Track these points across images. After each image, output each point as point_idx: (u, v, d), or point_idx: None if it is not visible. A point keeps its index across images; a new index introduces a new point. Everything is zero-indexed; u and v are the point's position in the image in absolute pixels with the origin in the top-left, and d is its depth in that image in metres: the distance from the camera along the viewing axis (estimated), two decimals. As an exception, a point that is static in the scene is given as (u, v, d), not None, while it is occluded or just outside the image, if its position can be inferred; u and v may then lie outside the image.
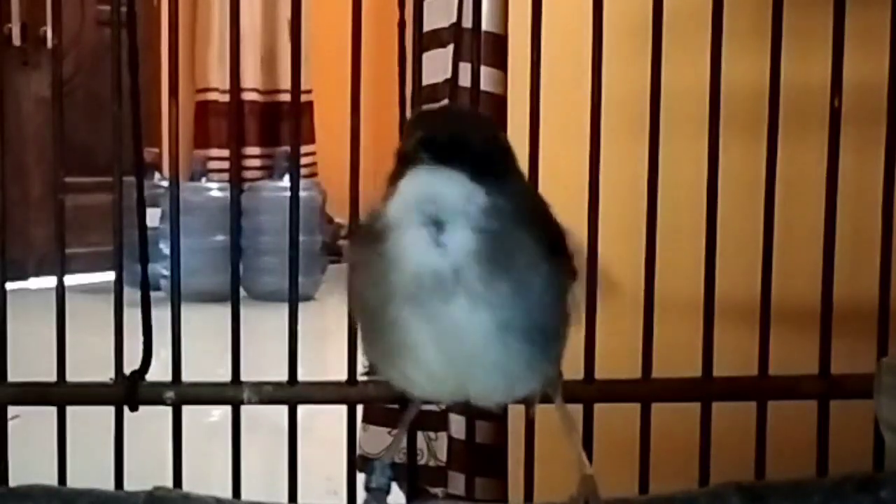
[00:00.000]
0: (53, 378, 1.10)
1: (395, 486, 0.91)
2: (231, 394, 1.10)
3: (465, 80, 1.39)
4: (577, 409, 1.07)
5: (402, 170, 0.70)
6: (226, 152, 4.33)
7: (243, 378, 1.10)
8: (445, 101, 1.47)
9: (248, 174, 4.64)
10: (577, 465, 0.84)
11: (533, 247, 0.71)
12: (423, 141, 0.68)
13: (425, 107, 1.03)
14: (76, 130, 3.93)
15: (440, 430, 1.46)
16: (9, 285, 1.11)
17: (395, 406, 1.01)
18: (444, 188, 0.69)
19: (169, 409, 1.10)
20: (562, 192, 0.88)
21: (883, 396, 0.92)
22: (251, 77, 4.74)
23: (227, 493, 1.04)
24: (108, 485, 1.06)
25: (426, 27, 1.23)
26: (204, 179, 4.52)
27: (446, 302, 0.69)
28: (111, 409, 1.10)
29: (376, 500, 0.85)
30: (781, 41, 1.08)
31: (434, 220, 0.69)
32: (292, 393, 1.10)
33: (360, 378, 1.11)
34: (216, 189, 4.45)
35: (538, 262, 0.72)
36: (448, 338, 0.70)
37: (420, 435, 1.44)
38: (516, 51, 1.34)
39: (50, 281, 1.22)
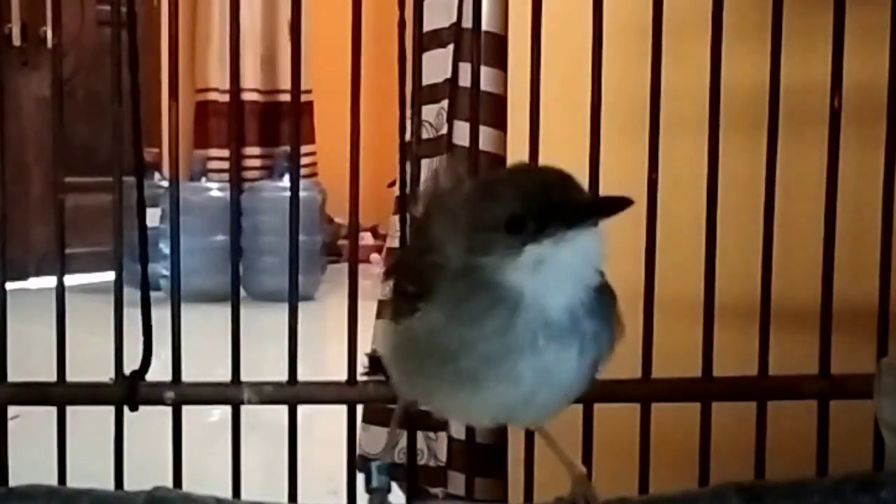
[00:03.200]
0: (53, 378, 1.10)
1: (395, 486, 0.91)
2: (231, 394, 1.10)
3: (465, 80, 1.39)
4: (577, 410, 1.07)
5: (523, 231, 0.71)
6: (226, 152, 4.34)
7: (243, 378, 1.10)
8: (445, 102, 1.47)
9: (248, 174, 4.64)
10: (568, 469, 0.84)
11: (611, 298, 0.77)
12: (576, 205, 0.72)
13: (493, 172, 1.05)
14: (76, 130, 3.94)
15: (440, 430, 1.46)
16: (9, 285, 1.11)
17: (395, 406, 1.00)
18: (597, 249, 0.74)
19: (169, 409, 1.10)
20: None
21: (883, 396, 0.92)
22: (251, 77, 4.74)
23: (227, 493, 1.03)
24: (108, 485, 1.06)
25: (426, 27, 1.24)
26: (204, 179, 4.53)
27: (565, 348, 0.72)
28: (111, 409, 1.10)
29: (377, 500, 0.85)
30: (781, 41, 1.08)
31: (578, 275, 0.73)
32: (292, 393, 1.10)
33: (360, 378, 1.11)
34: (216, 189, 4.45)
35: (613, 307, 0.77)
36: (547, 383, 0.73)
37: (420, 435, 1.44)
38: (516, 51, 1.34)
39: (50, 281, 1.22)
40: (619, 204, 0.72)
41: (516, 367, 0.72)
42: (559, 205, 0.71)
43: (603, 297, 0.75)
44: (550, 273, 0.71)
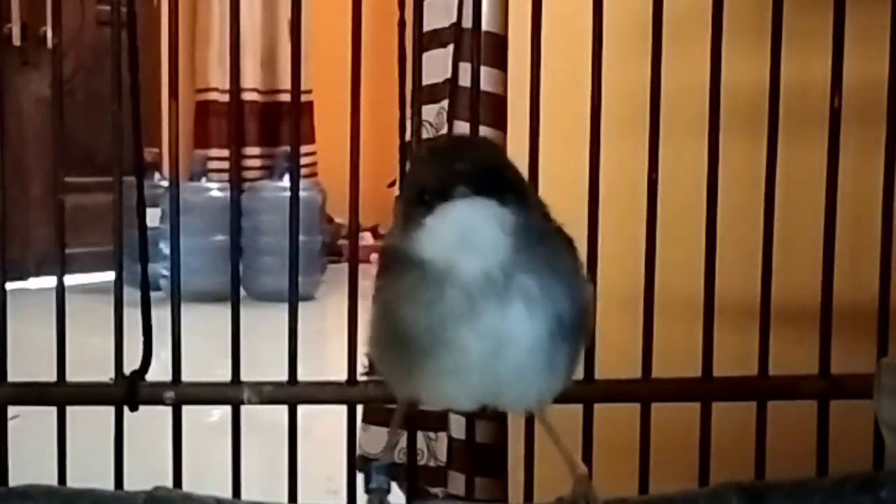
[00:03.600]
0: (53, 378, 1.10)
1: (395, 486, 0.91)
2: (231, 394, 1.10)
3: (465, 80, 1.39)
4: (577, 409, 1.07)
5: (428, 204, 0.72)
6: (226, 152, 4.34)
7: (243, 378, 1.10)
8: (445, 102, 1.47)
9: (248, 174, 4.64)
10: (569, 467, 0.84)
11: (566, 253, 0.77)
12: (453, 175, 0.71)
13: (425, 142, 1.05)
14: (76, 130, 3.93)
15: (440, 430, 1.46)
16: (9, 285, 1.11)
17: (395, 406, 1.01)
18: (483, 217, 0.72)
19: (169, 409, 1.10)
20: (562, 192, 0.88)
21: (883, 397, 0.92)
22: (251, 77, 4.74)
23: (227, 493, 1.03)
24: (108, 485, 1.06)
25: (426, 27, 1.23)
26: (204, 179, 4.52)
27: (504, 308, 0.72)
28: (111, 409, 1.10)
29: (377, 500, 0.85)
30: (781, 41, 1.08)
31: (478, 248, 0.72)
32: (292, 393, 1.10)
33: (360, 378, 1.11)
34: (216, 189, 4.45)
35: (572, 268, 0.77)
36: (504, 345, 0.73)
37: (420, 435, 1.44)
38: (516, 51, 1.34)
39: (50, 281, 1.22)
40: (504, 183, 0.73)
41: (458, 335, 0.73)
42: (446, 176, 0.72)
43: (546, 249, 0.74)
44: (447, 241, 0.72)
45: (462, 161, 0.73)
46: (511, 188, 0.73)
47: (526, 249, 0.73)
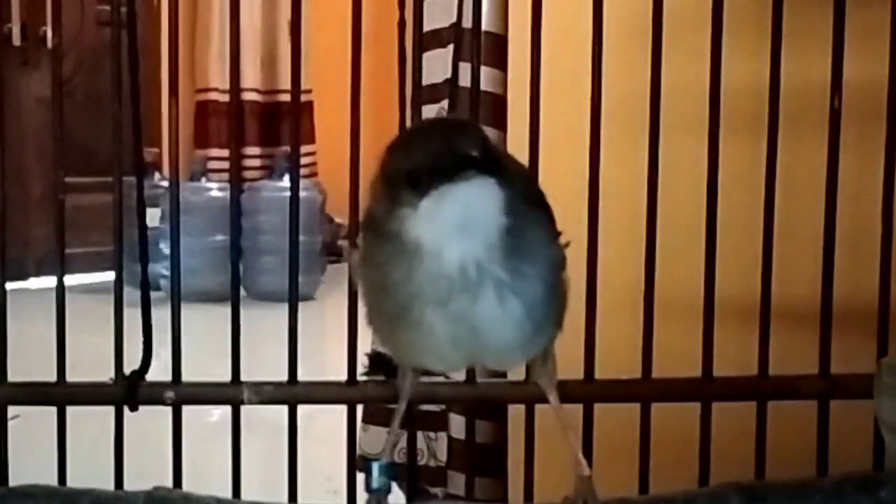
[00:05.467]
0: (53, 378, 1.10)
1: (395, 486, 0.91)
2: (231, 394, 1.10)
3: (465, 80, 1.39)
4: (577, 409, 1.07)
5: (419, 185, 0.72)
6: (226, 152, 4.33)
7: (243, 378, 1.10)
8: (445, 102, 1.47)
9: (248, 174, 4.63)
10: (573, 466, 0.84)
11: (543, 227, 0.77)
12: (452, 157, 0.71)
13: (409, 128, 1.04)
14: (76, 130, 3.93)
15: (440, 430, 1.46)
16: (9, 285, 1.11)
17: (395, 406, 1.01)
18: (486, 200, 0.72)
19: (169, 409, 1.10)
20: (562, 191, 0.88)
21: (883, 396, 0.92)
22: (251, 77, 4.73)
23: (227, 493, 1.04)
24: (108, 485, 1.06)
25: (426, 27, 1.23)
26: (204, 179, 4.52)
27: (475, 299, 0.73)
28: (111, 409, 1.10)
29: (377, 500, 0.85)
30: (781, 41, 1.08)
31: (475, 230, 0.73)
32: (292, 393, 1.10)
33: (360, 378, 1.11)
34: (216, 189, 4.45)
35: (548, 241, 0.77)
36: (476, 329, 0.74)
37: (420, 435, 1.44)
38: (516, 51, 1.33)
39: (50, 281, 1.22)
40: (494, 161, 0.72)
41: (424, 316, 0.74)
42: (445, 159, 0.71)
43: (524, 236, 0.74)
44: (440, 226, 0.72)
45: (456, 142, 0.72)
46: (502, 167, 0.73)
47: (510, 230, 0.73)
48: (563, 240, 0.81)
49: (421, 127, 0.83)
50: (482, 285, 0.73)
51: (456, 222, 0.72)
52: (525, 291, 0.74)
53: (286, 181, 4.15)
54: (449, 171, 0.71)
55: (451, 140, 0.73)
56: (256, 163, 4.79)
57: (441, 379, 1.13)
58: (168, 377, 1.11)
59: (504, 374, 1.19)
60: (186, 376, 1.11)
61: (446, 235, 0.73)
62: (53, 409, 1.10)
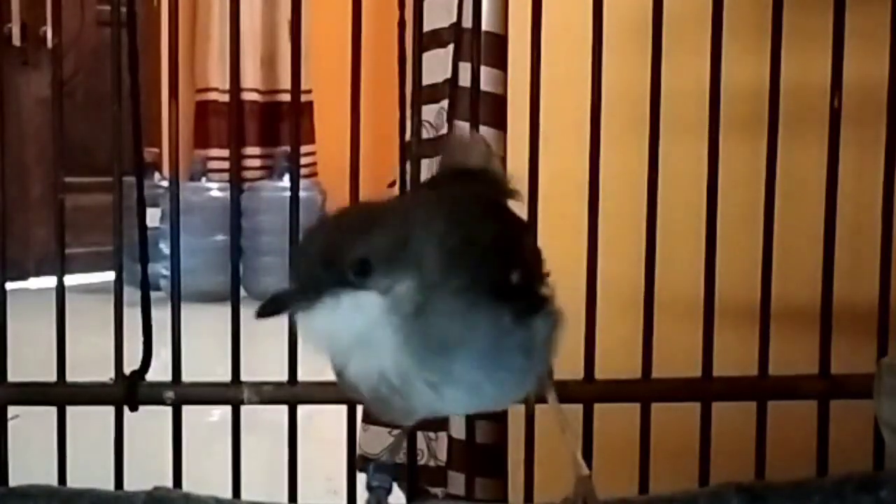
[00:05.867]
0: (53, 378, 1.10)
1: (395, 486, 0.91)
2: (231, 394, 1.10)
3: (465, 80, 1.39)
4: (577, 409, 1.07)
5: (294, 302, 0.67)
6: (226, 152, 4.34)
7: (243, 378, 1.10)
8: (445, 102, 1.47)
9: (248, 174, 4.64)
10: (572, 466, 0.84)
11: (462, 291, 0.68)
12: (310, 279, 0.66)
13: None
14: (76, 130, 3.92)
15: (440, 430, 1.46)
16: (9, 285, 1.11)
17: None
18: (335, 321, 0.67)
19: (169, 409, 1.10)
20: (562, 192, 0.88)
21: (883, 396, 0.92)
22: (251, 77, 4.74)
23: (227, 493, 1.03)
24: (108, 485, 1.06)
25: (426, 27, 1.23)
26: (204, 179, 4.52)
27: (409, 400, 0.69)
28: (111, 409, 1.10)
29: (377, 501, 0.85)
30: (781, 41, 1.08)
31: (362, 344, 0.68)
32: (292, 393, 1.10)
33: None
34: (216, 189, 4.45)
35: (475, 303, 0.68)
36: (429, 412, 0.73)
37: (420, 435, 1.44)
38: (516, 51, 1.34)
39: (50, 281, 1.22)
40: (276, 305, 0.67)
41: (370, 401, 0.72)
42: (306, 280, 0.67)
43: (438, 315, 0.67)
44: (321, 346, 0.70)
45: (329, 254, 0.67)
46: (384, 252, 0.67)
47: (416, 325, 0.67)
48: (562, 234, 0.80)
49: (317, 227, 0.71)
50: (411, 389, 0.68)
51: (327, 345, 0.69)
52: (461, 382, 0.69)
53: (286, 181, 4.16)
54: (308, 292, 0.66)
55: (326, 252, 0.67)
56: (256, 163, 4.79)
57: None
58: (168, 377, 1.11)
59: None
60: (186, 376, 1.12)
61: (334, 353, 0.70)
62: (53, 409, 1.10)
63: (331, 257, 0.67)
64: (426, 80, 1.30)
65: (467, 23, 1.30)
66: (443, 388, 0.69)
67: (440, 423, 1.45)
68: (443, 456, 1.47)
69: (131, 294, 1.09)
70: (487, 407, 0.78)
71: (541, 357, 0.75)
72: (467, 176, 0.85)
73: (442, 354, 0.68)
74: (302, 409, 1.11)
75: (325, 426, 1.53)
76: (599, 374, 1.10)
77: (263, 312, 0.67)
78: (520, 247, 0.76)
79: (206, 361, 1.29)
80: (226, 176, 4.31)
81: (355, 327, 0.67)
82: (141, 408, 1.11)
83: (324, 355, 0.70)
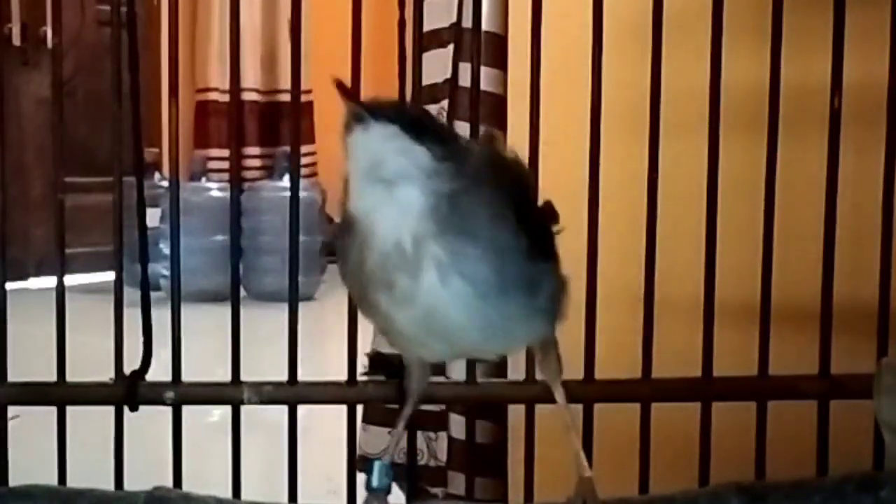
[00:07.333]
0: (53, 378, 1.10)
1: (395, 486, 0.91)
2: (231, 394, 1.10)
3: (465, 80, 1.38)
4: (577, 409, 1.07)
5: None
6: (226, 152, 4.34)
7: (243, 378, 1.10)
8: (445, 102, 1.47)
9: (248, 174, 4.64)
10: (575, 467, 0.84)
11: (493, 201, 0.72)
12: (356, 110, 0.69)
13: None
14: (76, 130, 3.93)
15: (440, 430, 1.46)
16: (9, 285, 1.11)
17: (395, 406, 1.01)
18: (386, 145, 0.69)
19: (169, 409, 1.10)
20: (562, 192, 0.88)
21: (883, 396, 0.92)
22: (251, 77, 4.74)
23: (227, 493, 1.04)
24: (108, 485, 1.06)
25: (426, 27, 1.23)
26: (204, 179, 4.52)
27: (415, 279, 0.70)
28: (111, 409, 1.10)
29: (377, 500, 0.85)
30: (781, 41, 1.08)
31: (386, 180, 0.69)
32: (292, 393, 1.10)
33: (360, 378, 1.11)
34: (216, 189, 4.45)
35: (501, 216, 0.72)
36: (428, 315, 0.71)
37: (420, 435, 1.44)
38: (516, 51, 1.34)
39: (50, 281, 1.22)
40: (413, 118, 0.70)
41: (380, 303, 0.72)
42: (363, 113, 0.70)
43: (470, 216, 0.70)
44: (356, 179, 0.71)
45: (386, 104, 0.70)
46: (435, 130, 0.71)
47: (444, 196, 0.69)
48: (562, 234, 0.81)
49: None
50: (421, 263, 0.69)
51: (365, 169, 0.69)
52: (470, 273, 0.70)
53: (286, 181, 4.16)
54: (379, 116, 0.69)
55: (404, 111, 0.71)
56: (256, 163, 4.79)
57: (441, 379, 1.13)
58: (168, 377, 1.11)
59: (504, 374, 1.19)
60: (186, 376, 1.11)
61: (369, 194, 0.70)
62: (53, 409, 1.10)
63: (407, 113, 0.71)
64: (426, 80, 1.29)
65: (467, 23, 1.30)
66: (450, 275, 0.69)
67: (440, 423, 1.45)
68: (443, 456, 1.47)
69: (131, 294, 1.09)
70: (485, 340, 0.75)
71: (545, 307, 0.76)
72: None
73: (461, 235, 0.69)
74: (302, 409, 1.11)
75: (325, 426, 1.53)
76: (599, 374, 1.10)
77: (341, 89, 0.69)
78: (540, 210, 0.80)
79: (206, 361, 1.29)
80: (226, 176, 4.31)
81: (397, 168, 0.69)
82: (141, 408, 1.11)
83: (352, 193, 0.71)
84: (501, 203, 0.72)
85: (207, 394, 1.12)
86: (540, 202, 0.84)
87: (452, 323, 0.71)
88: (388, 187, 0.69)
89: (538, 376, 1.01)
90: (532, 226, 0.74)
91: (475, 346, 0.76)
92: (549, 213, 0.84)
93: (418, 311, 0.71)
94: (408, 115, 0.70)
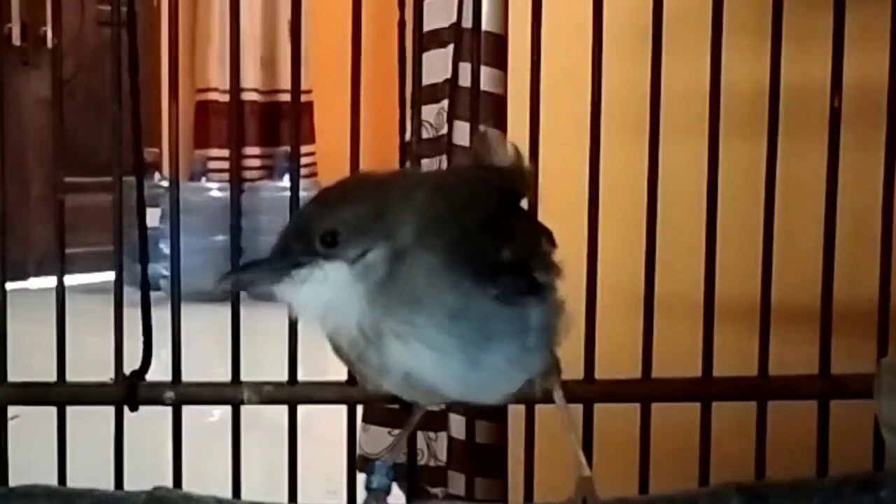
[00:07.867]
0: (53, 378, 1.10)
1: (395, 486, 0.91)
2: (231, 394, 1.10)
3: (465, 80, 1.39)
4: (577, 409, 1.07)
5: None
6: (226, 152, 4.33)
7: (243, 378, 1.10)
8: (445, 102, 1.47)
9: (248, 174, 4.64)
10: (574, 467, 0.84)
11: (437, 260, 0.69)
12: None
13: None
14: (76, 130, 3.91)
15: (440, 430, 1.46)
16: (9, 285, 1.11)
17: (396, 406, 1.01)
18: (322, 289, 0.70)
19: (169, 409, 1.10)
20: (562, 192, 0.88)
21: (883, 396, 0.92)
22: (251, 77, 4.74)
23: (227, 493, 1.03)
24: (108, 485, 1.06)
25: (426, 27, 1.23)
26: (204, 179, 4.52)
27: (383, 355, 0.70)
28: (111, 409, 1.10)
29: (376, 501, 0.85)
30: (781, 41, 1.08)
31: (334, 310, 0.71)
32: (292, 393, 1.10)
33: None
34: (216, 189, 4.45)
35: (451, 270, 0.69)
36: (407, 380, 0.72)
37: (420, 435, 1.44)
38: (516, 51, 1.34)
39: (50, 281, 1.22)
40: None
41: (365, 373, 0.73)
42: (279, 254, 0.75)
43: (408, 274, 0.69)
44: (296, 313, 0.74)
45: (299, 229, 0.73)
46: (359, 200, 0.71)
47: (386, 276, 0.69)
48: (562, 234, 0.80)
49: (309, 200, 0.78)
50: (382, 340, 0.70)
51: (300, 313, 0.73)
52: (429, 340, 0.69)
53: (286, 181, 4.15)
54: (278, 263, 0.72)
55: (300, 224, 0.73)
56: (256, 163, 4.79)
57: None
58: (168, 377, 1.11)
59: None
60: (186, 376, 1.12)
61: (311, 321, 0.72)
62: (53, 409, 1.10)
63: (303, 228, 0.73)
64: (426, 80, 1.30)
65: (467, 23, 1.30)
66: (411, 342, 0.69)
67: (440, 423, 1.45)
68: (443, 456, 1.47)
69: (131, 294, 1.09)
70: (475, 391, 0.74)
71: (537, 344, 0.74)
72: (486, 168, 0.84)
73: (407, 306, 0.69)
74: (302, 409, 1.11)
75: (325, 426, 1.53)
76: (599, 374, 1.10)
77: (233, 280, 0.74)
78: (516, 231, 0.76)
79: (206, 361, 1.29)
80: (226, 176, 4.31)
81: (324, 296, 0.71)
82: (141, 408, 1.11)
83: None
84: (449, 250, 0.69)
85: (207, 394, 1.12)
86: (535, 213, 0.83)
87: (434, 383, 0.72)
88: (325, 310, 0.71)
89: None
90: (509, 261, 0.72)
91: (467, 396, 0.77)
92: (543, 231, 0.81)
93: (397, 378, 0.72)
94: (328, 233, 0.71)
